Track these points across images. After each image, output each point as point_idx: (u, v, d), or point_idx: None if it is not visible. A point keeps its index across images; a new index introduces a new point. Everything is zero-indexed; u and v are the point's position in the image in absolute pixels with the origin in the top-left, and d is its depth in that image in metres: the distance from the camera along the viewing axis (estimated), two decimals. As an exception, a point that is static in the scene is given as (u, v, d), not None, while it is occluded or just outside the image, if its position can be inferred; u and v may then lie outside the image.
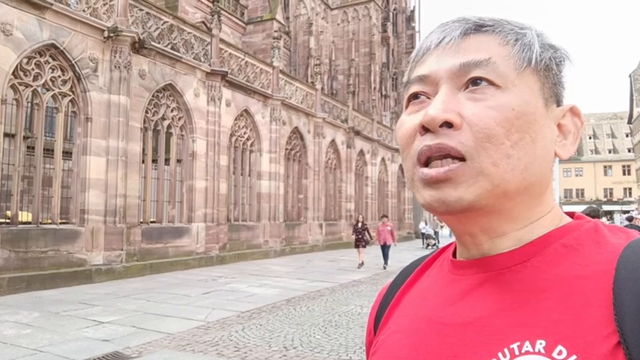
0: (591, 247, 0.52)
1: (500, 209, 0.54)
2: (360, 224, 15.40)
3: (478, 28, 0.56)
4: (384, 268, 14.48)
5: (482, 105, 0.52)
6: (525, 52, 0.54)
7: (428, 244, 24.04)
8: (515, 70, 0.53)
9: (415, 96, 0.58)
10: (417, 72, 0.58)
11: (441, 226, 26.17)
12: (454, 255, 0.63)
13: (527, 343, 0.47)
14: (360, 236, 15.02)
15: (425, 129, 0.53)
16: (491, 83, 0.53)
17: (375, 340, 0.66)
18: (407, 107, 0.59)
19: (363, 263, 14.72)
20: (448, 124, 0.52)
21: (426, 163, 0.54)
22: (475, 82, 0.53)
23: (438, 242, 24.10)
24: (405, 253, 20.33)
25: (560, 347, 0.46)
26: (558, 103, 0.57)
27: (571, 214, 0.60)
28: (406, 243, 27.40)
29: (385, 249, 14.75)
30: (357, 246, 15.13)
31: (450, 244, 0.65)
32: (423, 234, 25.07)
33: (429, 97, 0.56)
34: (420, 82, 0.57)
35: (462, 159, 0.52)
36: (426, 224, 25.24)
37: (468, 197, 0.52)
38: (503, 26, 0.56)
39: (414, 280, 0.67)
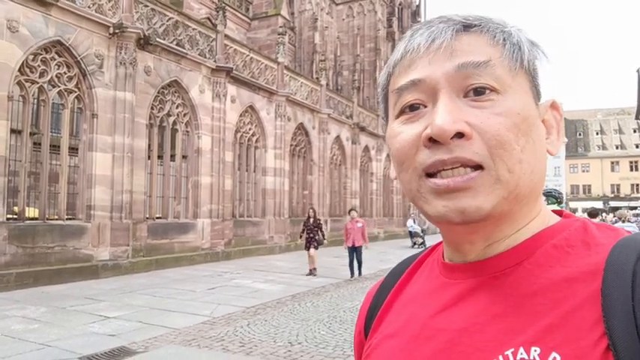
0: (581, 248, 0.52)
1: (509, 214, 0.53)
2: (311, 220, 12.05)
3: (466, 28, 0.54)
4: (352, 277, 11.21)
5: (488, 112, 0.51)
6: (516, 52, 0.54)
7: (414, 243, 23.48)
8: (510, 72, 0.53)
9: (411, 106, 0.55)
10: (409, 76, 0.55)
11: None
12: (444, 255, 0.61)
13: (521, 350, 0.47)
14: (312, 235, 11.82)
15: (431, 140, 0.51)
16: (492, 89, 0.52)
17: (367, 342, 0.66)
18: (398, 116, 0.56)
19: (315, 269, 11.65)
20: (459, 135, 0.50)
21: (433, 174, 0.52)
22: (477, 91, 0.52)
23: (425, 241, 23.43)
24: (411, 251, 20.33)
25: (554, 354, 0.45)
26: (539, 99, 0.57)
27: (559, 212, 0.60)
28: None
29: (355, 253, 11.25)
30: (307, 247, 11.78)
31: (439, 244, 0.64)
32: (410, 232, 23.91)
33: (424, 106, 0.54)
34: (413, 87, 0.54)
35: (478, 167, 0.51)
36: (414, 222, 24.11)
37: (487, 206, 0.51)
38: (489, 25, 0.55)
39: (404, 282, 0.66)
